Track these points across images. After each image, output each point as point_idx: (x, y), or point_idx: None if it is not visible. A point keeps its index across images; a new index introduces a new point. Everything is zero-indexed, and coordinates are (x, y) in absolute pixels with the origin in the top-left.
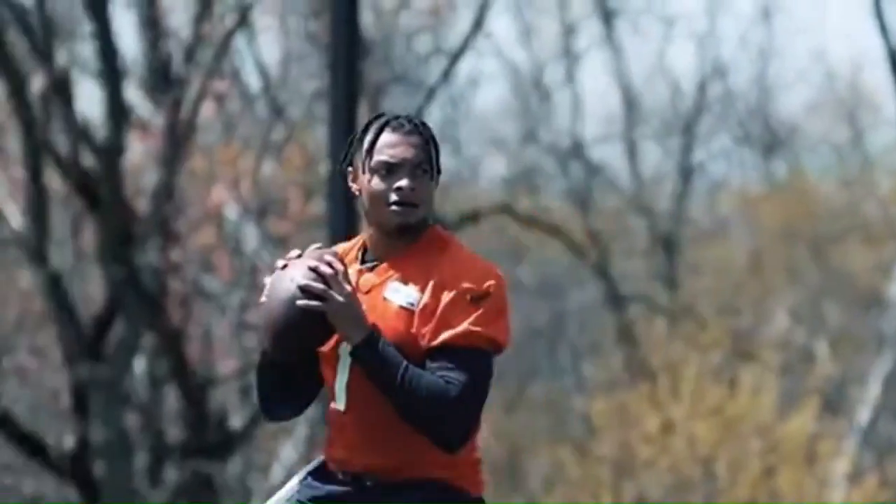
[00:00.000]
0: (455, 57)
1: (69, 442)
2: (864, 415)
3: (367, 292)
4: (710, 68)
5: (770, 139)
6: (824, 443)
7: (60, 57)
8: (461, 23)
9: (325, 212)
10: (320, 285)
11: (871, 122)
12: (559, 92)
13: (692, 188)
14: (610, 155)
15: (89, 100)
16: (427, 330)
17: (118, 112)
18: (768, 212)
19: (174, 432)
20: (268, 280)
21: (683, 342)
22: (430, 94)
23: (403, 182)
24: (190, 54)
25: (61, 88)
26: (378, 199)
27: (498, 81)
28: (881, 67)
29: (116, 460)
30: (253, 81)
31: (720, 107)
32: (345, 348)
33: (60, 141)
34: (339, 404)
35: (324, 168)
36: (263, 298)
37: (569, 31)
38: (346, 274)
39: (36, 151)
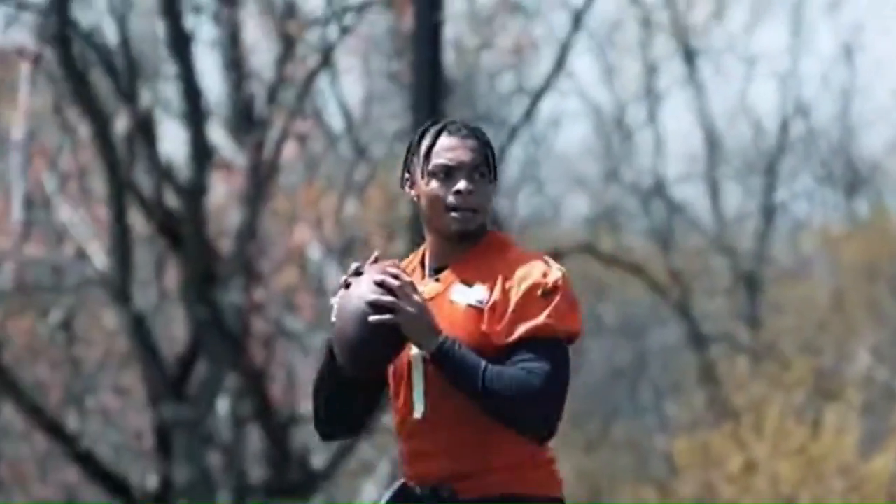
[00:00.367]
0: (537, 96)
1: (152, 482)
2: None
3: (432, 299)
4: (793, 107)
5: (852, 178)
6: None
7: (144, 98)
8: (544, 62)
9: (407, 252)
10: (389, 298)
11: None
12: (641, 131)
13: (774, 227)
14: (692, 194)
15: (173, 140)
16: (501, 327)
17: (201, 152)
18: (850, 250)
19: (257, 472)
20: (334, 300)
21: (766, 381)
22: (513, 133)
23: (462, 185)
24: (273, 95)
25: (145, 129)
26: (437, 203)
27: (580, 121)
28: None
29: (199, 500)
30: (335, 122)
31: (802, 146)
32: (417, 356)
33: (144, 181)
34: (417, 412)
35: (405, 207)
36: (333, 319)
37: (651, 70)
38: (412, 284)
39: (120, 192)
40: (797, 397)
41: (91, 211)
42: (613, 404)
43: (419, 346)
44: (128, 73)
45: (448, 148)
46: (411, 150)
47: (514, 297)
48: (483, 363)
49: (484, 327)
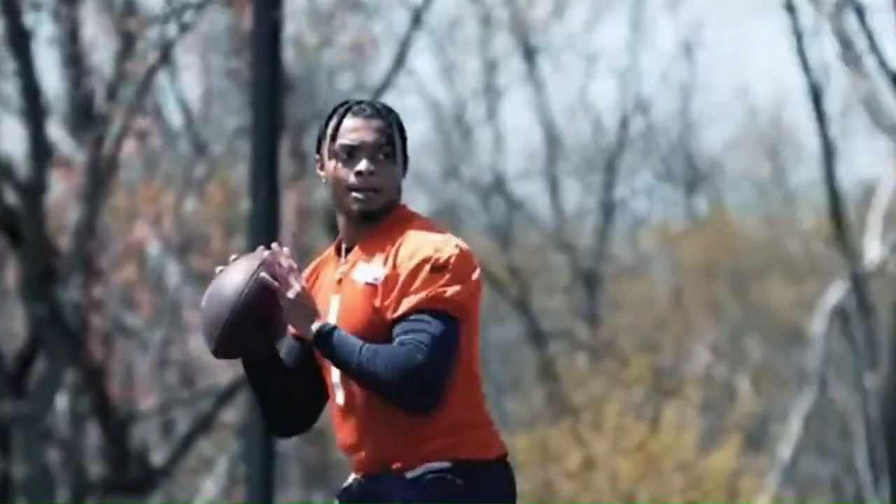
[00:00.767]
0: (377, 94)
1: None
2: (785, 451)
3: (340, 280)
4: (632, 104)
5: (692, 175)
6: (746, 479)
7: None
8: (383, 60)
9: (246, 248)
10: (274, 282)
11: (792, 159)
12: (481, 128)
13: (614, 224)
14: (532, 191)
15: (12, 138)
16: (388, 303)
17: (41, 150)
18: (690, 248)
19: (96, 468)
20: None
21: (605, 378)
22: None
23: (363, 165)
24: (112, 92)
25: None
26: (340, 183)
27: (420, 118)
28: (803, 104)
29: (38, 496)
30: (175, 118)
31: (642, 143)
32: None
33: None
34: (339, 399)
35: (245, 204)
36: (204, 302)
37: (490, 67)
38: (294, 270)
39: None
40: (636, 394)
41: None
42: None
43: (300, 332)
44: None
45: (351, 129)
46: (321, 132)
47: (404, 272)
48: (359, 344)
49: (377, 303)
